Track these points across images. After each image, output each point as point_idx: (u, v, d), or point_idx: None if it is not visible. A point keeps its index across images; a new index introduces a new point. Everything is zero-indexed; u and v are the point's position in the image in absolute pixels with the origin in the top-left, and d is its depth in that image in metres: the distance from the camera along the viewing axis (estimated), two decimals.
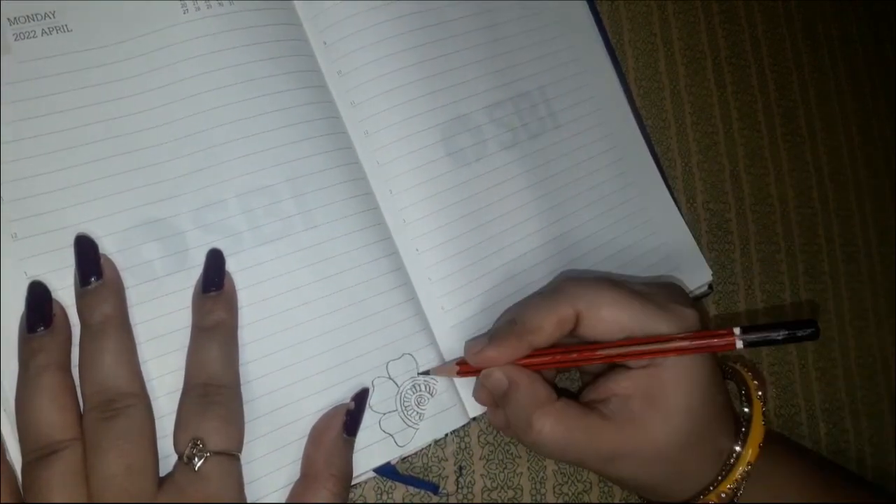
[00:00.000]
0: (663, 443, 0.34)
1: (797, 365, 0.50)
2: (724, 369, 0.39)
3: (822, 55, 0.58)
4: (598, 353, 0.33)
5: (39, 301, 0.30)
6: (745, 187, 0.51)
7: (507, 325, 0.34)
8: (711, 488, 0.35)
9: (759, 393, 0.37)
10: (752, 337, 0.32)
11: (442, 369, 0.36)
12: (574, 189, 0.42)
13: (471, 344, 0.35)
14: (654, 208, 0.45)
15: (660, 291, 0.36)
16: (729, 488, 0.35)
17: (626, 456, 0.34)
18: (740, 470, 0.35)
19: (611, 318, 0.34)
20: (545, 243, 0.41)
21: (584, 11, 0.46)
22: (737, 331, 0.32)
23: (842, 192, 0.56)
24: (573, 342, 0.35)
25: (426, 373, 0.36)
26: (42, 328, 0.29)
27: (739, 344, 0.32)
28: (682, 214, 0.46)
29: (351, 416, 0.33)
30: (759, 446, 0.35)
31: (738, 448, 0.35)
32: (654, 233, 0.44)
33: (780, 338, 0.32)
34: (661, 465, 0.34)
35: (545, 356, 0.34)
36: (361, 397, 0.34)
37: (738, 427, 0.36)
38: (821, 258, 0.53)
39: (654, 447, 0.34)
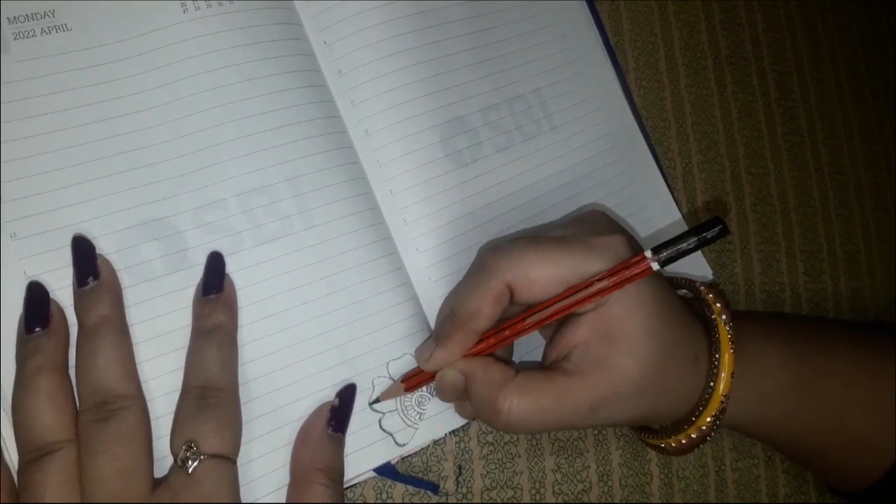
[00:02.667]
0: (637, 374, 0.33)
1: None
2: (672, 281, 0.38)
3: (823, 55, 0.58)
4: (527, 321, 0.33)
5: (37, 302, 0.30)
6: (746, 187, 0.51)
7: (447, 320, 0.34)
8: (703, 402, 0.35)
9: (710, 295, 0.36)
10: (665, 254, 0.32)
11: (389, 392, 0.35)
12: (573, 189, 0.42)
13: (419, 352, 0.34)
14: (654, 208, 0.45)
15: (580, 228, 0.35)
16: (722, 397, 0.34)
17: (607, 401, 0.33)
18: (723, 377, 0.34)
19: (542, 276, 0.33)
20: None
21: (583, 13, 0.46)
22: (648, 253, 0.32)
23: (842, 192, 0.56)
24: (518, 311, 0.34)
25: (376, 401, 0.35)
26: (39, 329, 0.29)
27: (655, 266, 0.32)
28: (682, 215, 0.46)
29: (335, 412, 0.33)
30: (730, 335, 0.35)
31: (716, 355, 0.35)
32: (653, 233, 0.44)
33: (691, 246, 0.32)
34: (644, 397, 0.34)
35: (481, 343, 0.33)
36: (347, 393, 0.34)
37: (706, 326, 0.36)
38: (821, 258, 0.53)
39: (629, 382, 0.33)
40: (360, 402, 0.34)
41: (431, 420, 0.36)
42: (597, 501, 0.41)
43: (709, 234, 0.32)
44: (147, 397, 0.30)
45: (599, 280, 0.32)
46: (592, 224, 0.35)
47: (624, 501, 0.41)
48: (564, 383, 0.33)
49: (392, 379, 0.35)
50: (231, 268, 0.33)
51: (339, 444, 0.33)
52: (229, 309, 0.32)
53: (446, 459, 0.38)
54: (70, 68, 0.32)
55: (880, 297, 0.56)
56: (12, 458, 0.29)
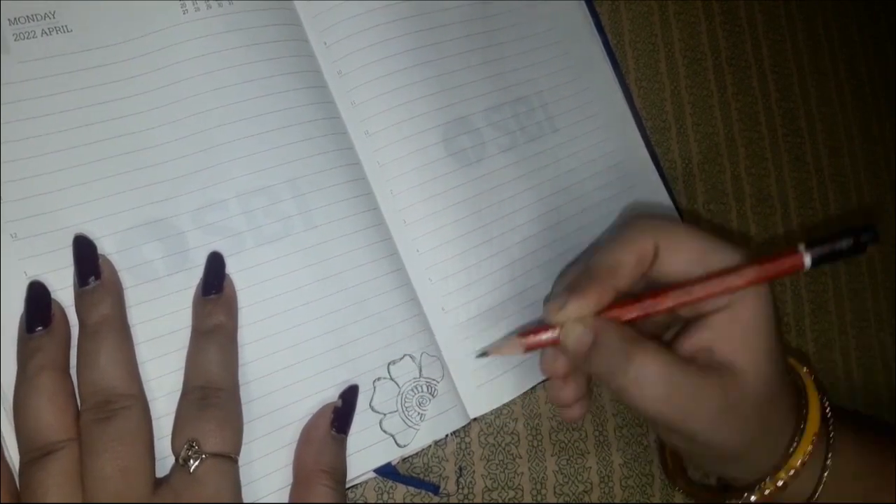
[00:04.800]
0: (759, 387, 0.31)
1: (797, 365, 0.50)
2: None
3: (823, 56, 0.58)
4: (670, 295, 0.31)
5: (39, 301, 0.30)
6: (746, 188, 0.51)
7: (585, 272, 0.32)
8: (793, 447, 0.34)
9: (805, 369, 0.36)
10: (819, 250, 0.30)
11: (503, 348, 0.33)
12: (574, 192, 0.42)
13: (550, 304, 0.32)
14: (654, 210, 0.45)
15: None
16: (801, 463, 0.33)
17: (731, 410, 0.31)
18: (811, 429, 0.34)
19: (690, 250, 0.32)
20: (545, 245, 0.41)
21: (583, 15, 0.46)
22: (801, 247, 0.30)
23: (842, 193, 0.56)
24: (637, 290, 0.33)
25: (484, 354, 0.33)
26: (41, 328, 0.29)
27: (807, 260, 0.30)
28: (682, 216, 0.46)
29: (339, 413, 0.33)
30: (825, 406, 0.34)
31: (804, 409, 0.34)
32: None
33: (845, 247, 0.30)
34: (756, 419, 0.32)
35: (618, 307, 0.31)
36: (350, 394, 0.34)
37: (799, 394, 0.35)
38: None
39: (751, 393, 0.31)
40: (361, 402, 0.34)
41: (432, 421, 0.35)
42: (598, 502, 0.41)
43: (863, 237, 0.30)
44: (148, 397, 0.30)
45: (749, 267, 0.31)
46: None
47: (625, 502, 0.41)
48: (700, 376, 0.31)
49: (393, 380, 0.35)
50: (232, 268, 0.33)
51: (342, 445, 0.33)
52: (229, 309, 0.32)
53: (447, 460, 0.38)
54: (70, 69, 0.32)
55: (880, 297, 0.56)
56: (13, 457, 0.29)
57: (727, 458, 0.35)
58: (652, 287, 0.33)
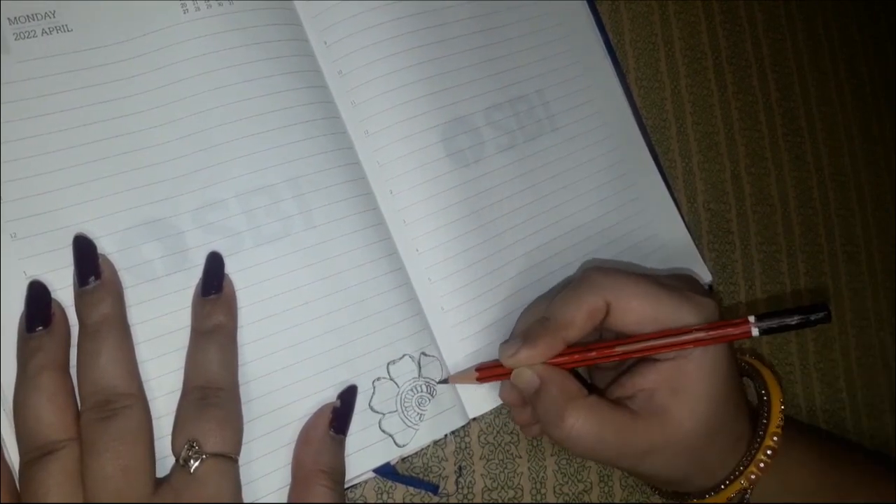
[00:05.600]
0: (691, 432, 0.34)
1: (798, 365, 0.50)
2: (740, 365, 0.39)
3: (823, 55, 0.58)
4: (616, 349, 0.34)
5: (38, 301, 0.30)
6: (746, 187, 0.51)
7: (539, 323, 0.35)
8: (735, 475, 0.36)
9: (776, 382, 0.38)
10: (767, 324, 0.33)
11: (460, 377, 0.36)
12: (574, 191, 0.42)
13: (505, 347, 0.35)
14: (654, 210, 0.45)
15: (679, 283, 0.36)
16: (751, 477, 0.36)
17: (657, 451, 0.34)
18: (761, 457, 0.36)
19: (640, 308, 0.34)
20: (545, 244, 0.41)
21: (584, 14, 0.46)
22: (752, 319, 0.33)
23: (842, 192, 0.56)
24: (591, 340, 0.35)
25: (444, 381, 0.36)
26: (41, 328, 0.29)
27: (755, 331, 0.33)
28: (682, 216, 0.46)
29: (337, 413, 0.33)
30: (779, 430, 0.36)
31: (760, 433, 0.36)
32: (653, 235, 0.44)
33: (793, 322, 0.32)
34: (687, 456, 0.35)
35: (565, 356, 0.34)
36: (348, 394, 0.34)
37: (754, 415, 0.37)
38: (821, 258, 0.53)
39: (682, 438, 0.34)
40: (360, 402, 0.34)
41: (431, 421, 0.36)
42: (597, 502, 0.41)
43: (812, 317, 0.32)
44: (148, 397, 0.30)
45: (699, 330, 0.33)
46: (688, 283, 0.37)
47: (625, 501, 0.41)
48: (629, 420, 0.34)
49: (393, 380, 0.35)
50: (231, 268, 0.33)
51: (341, 446, 0.33)
52: (229, 309, 0.32)
53: (447, 460, 0.38)
54: (70, 69, 0.32)
55: (880, 297, 0.56)
56: (12, 458, 0.29)
57: (665, 484, 0.39)
58: (607, 334, 0.37)
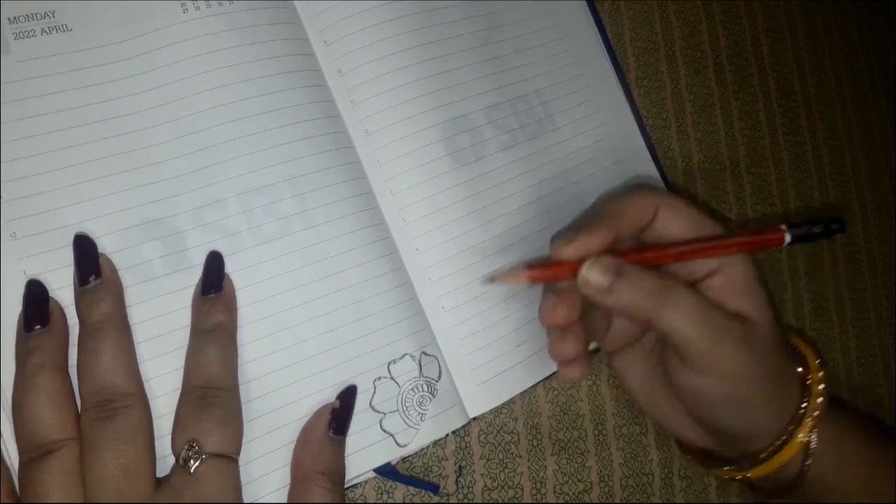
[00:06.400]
0: (767, 334, 0.34)
1: None
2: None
3: (823, 54, 0.58)
4: (670, 250, 0.35)
5: (36, 300, 0.30)
6: (746, 187, 0.51)
7: (590, 215, 0.35)
8: (785, 438, 0.35)
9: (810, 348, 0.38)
10: (797, 231, 0.35)
11: (509, 276, 0.35)
12: (574, 190, 0.42)
13: (559, 240, 0.34)
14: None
15: None
16: (801, 442, 0.35)
17: (752, 350, 0.33)
18: (808, 421, 0.35)
19: (686, 214, 0.35)
20: (546, 245, 0.41)
21: (583, 14, 0.46)
22: (784, 226, 0.35)
23: (843, 192, 0.56)
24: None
25: (490, 280, 0.36)
26: (39, 327, 0.29)
27: (788, 238, 0.35)
28: None
29: (336, 413, 0.33)
30: (822, 391, 0.36)
31: (805, 397, 0.36)
32: None
33: (818, 231, 0.35)
34: (773, 364, 0.35)
35: (632, 254, 0.34)
36: (348, 395, 0.34)
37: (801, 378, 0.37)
38: (822, 258, 0.53)
39: (764, 339, 0.34)
40: (360, 402, 0.34)
41: (432, 420, 0.35)
42: (598, 501, 0.41)
43: (833, 226, 0.35)
44: (148, 396, 0.30)
45: (741, 235, 0.35)
46: None
47: (625, 501, 0.41)
48: (725, 316, 0.33)
49: (394, 379, 0.35)
50: (231, 268, 0.33)
51: (341, 447, 0.33)
52: (229, 308, 0.32)
53: (447, 459, 0.38)
54: (70, 68, 0.32)
55: (881, 297, 0.56)
56: (12, 458, 0.29)
57: (749, 404, 0.35)
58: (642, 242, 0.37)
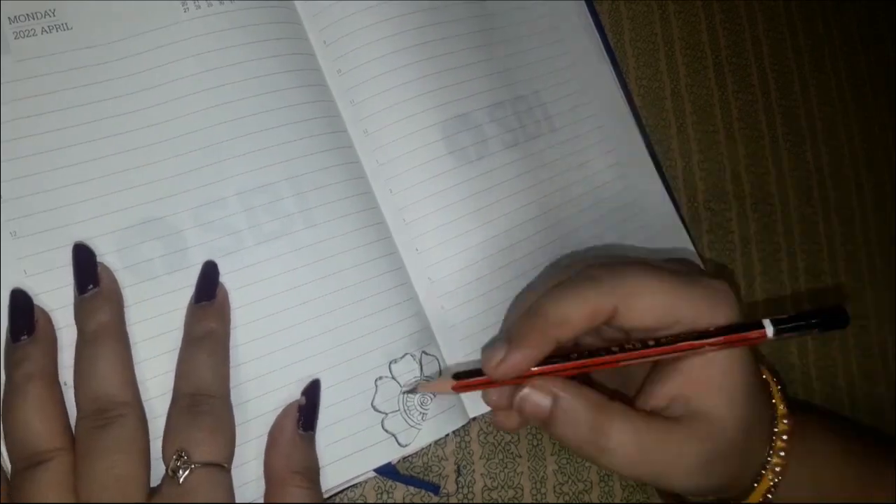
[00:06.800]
0: (734, 431, 0.31)
1: (797, 365, 0.50)
2: None
3: (823, 55, 0.58)
4: (621, 355, 0.30)
5: (21, 309, 0.29)
6: (746, 187, 0.51)
7: (526, 319, 0.31)
8: (764, 470, 0.34)
9: (774, 380, 0.36)
10: (783, 326, 0.31)
11: (434, 386, 0.33)
12: (574, 191, 0.42)
13: (489, 354, 0.30)
14: (653, 210, 0.45)
15: (682, 266, 0.34)
16: (776, 469, 0.34)
17: (706, 461, 0.31)
18: (779, 444, 0.34)
19: (653, 307, 0.31)
20: (546, 244, 0.41)
21: (582, 14, 0.46)
22: (768, 324, 0.31)
23: (842, 192, 0.56)
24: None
25: (412, 391, 0.34)
26: (25, 336, 0.29)
27: (770, 332, 0.31)
28: (681, 216, 0.46)
29: (303, 410, 0.32)
30: (785, 410, 0.34)
31: (774, 419, 0.34)
32: (652, 235, 0.44)
33: (811, 326, 0.31)
34: (734, 457, 0.32)
35: (560, 363, 0.30)
36: (313, 389, 0.33)
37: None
38: (821, 258, 0.53)
39: (730, 436, 0.31)
40: (362, 402, 0.34)
41: (433, 420, 0.35)
42: (598, 501, 0.41)
43: (831, 322, 0.31)
44: (144, 397, 0.30)
45: (714, 334, 0.31)
46: (689, 266, 0.35)
47: (625, 501, 0.41)
48: (672, 430, 0.31)
49: (395, 379, 0.35)
50: (231, 267, 0.33)
51: (311, 443, 0.32)
52: (221, 316, 0.32)
53: (447, 459, 0.38)
54: (70, 67, 0.32)
55: (881, 297, 0.56)
56: (6, 466, 0.29)
57: (713, 493, 0.35)
58: (607, 331, 0.33)
